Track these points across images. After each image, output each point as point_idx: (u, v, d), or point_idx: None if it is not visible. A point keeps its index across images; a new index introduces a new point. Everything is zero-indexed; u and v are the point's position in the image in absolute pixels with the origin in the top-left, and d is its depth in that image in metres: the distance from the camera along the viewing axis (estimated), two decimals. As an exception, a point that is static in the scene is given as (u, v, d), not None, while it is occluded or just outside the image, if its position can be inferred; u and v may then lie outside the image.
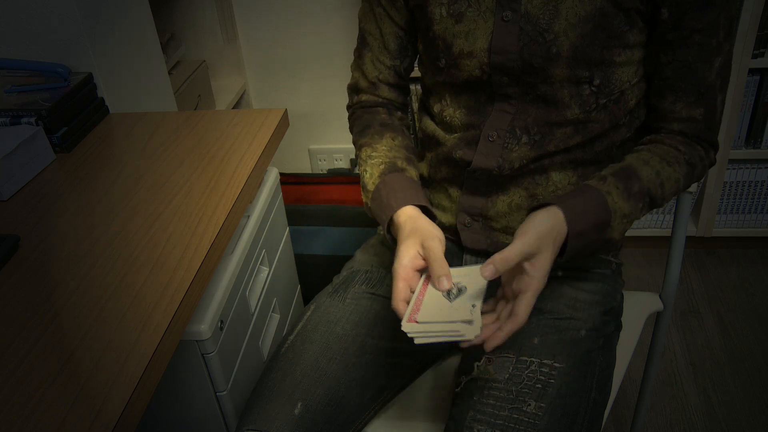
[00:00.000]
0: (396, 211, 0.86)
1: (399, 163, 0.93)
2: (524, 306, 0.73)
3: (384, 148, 0.96)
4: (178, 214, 0.92)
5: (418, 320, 0.74)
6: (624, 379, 1.48)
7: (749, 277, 1.94)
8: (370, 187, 0.92)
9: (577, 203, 0.79)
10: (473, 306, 0.76)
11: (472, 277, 0.80)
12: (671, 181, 0.87)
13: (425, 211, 0.88)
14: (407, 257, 0.80)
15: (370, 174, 0.93)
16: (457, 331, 0.72)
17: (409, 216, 0.85)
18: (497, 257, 0.73)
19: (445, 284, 0.77)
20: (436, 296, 0.78)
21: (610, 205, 0.81)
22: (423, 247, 0.80)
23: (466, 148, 0.92)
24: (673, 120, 0.89)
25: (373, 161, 0.94)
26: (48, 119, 1.09)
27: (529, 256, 0.74)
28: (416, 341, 0.74)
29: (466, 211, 0.95)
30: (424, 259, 0.80)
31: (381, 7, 0.96)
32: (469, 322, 0.73)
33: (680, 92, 0.86)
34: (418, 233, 0.81)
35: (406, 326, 0.73)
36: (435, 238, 0.80)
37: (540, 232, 0.75)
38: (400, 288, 0.78)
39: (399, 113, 1.04)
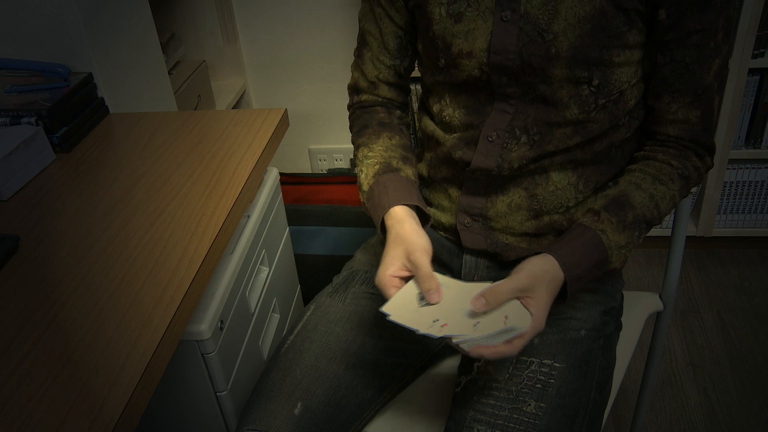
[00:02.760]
0: (387, 211, 0.87)
1: (394, 162, 0.93)
2: (521, 341, 0.75)
3: (380, 148, 0.96)
4: (178, 214, 0.92)
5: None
6: (624, 379, 1.48)
7: (749, 277, 1.94)
8: (365, 187, 0.93)
9: (573, 249, 0.81)
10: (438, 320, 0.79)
11: (453, 290, 0.82)
12: (666, 200, 0.87)
13: (419, 211, 0.89)
14: (392, 267, 0.83)
15: (366, 174, 0.94)
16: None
17: (396, 220, 0.86)
18: (488, 291, 0.76)
19: (436, 298, 0.79)
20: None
21: (605, 243, 0.83)
22: (409, 261, 0.82)
23: (466, 148, 0.92)
24: (669, 122, 0.89)
25: (368, 161, 0.95)
26: (48, 119, 1.09)
27: (521, 293, 0.77)
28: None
29: (465, 211, 0.95)
30: (410, 272, 0.82)
31: (380, 7, 0.96)
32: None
33: (677, 93, 0.86)
34: (403, 243, 0.83)
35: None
36: (420, 250, 0.82)
37: (533, 272, 0.78)
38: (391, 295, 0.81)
39: (398, 112, 1.04)
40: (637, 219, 0.85)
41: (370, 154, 0.96)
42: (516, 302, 0.77)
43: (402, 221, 0.85)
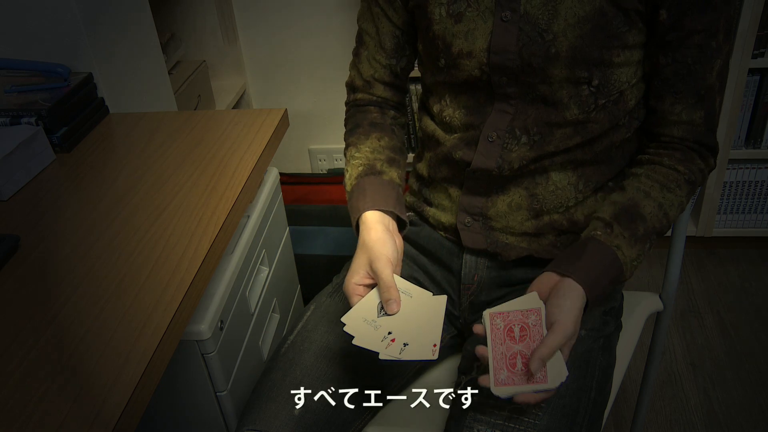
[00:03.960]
0: (360, 215, 0.88)
1: (378, 165, 0.94)
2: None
3: (367, 149, 0.96)
4: (178, 214, 0.92)
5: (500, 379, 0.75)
6: (624, 379, 1.48)
7: (749, 277, 1.94)
8: (348, 188, 0.94)
9: (591, 268, 0.81)
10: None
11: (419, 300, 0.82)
12: (674, 207, 0.87)
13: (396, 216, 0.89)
14: (357, 276, 0.84)
15: (350, 175, 0.95)
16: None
17: (366, 226, 0.87)
18: (544, 351, 0.73)
19: (394, 309, 0.80)
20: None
21: (621, 258, 0.83)
22: (371, 269, 0.83)
23: (466, 149, 0.92)
24: (673, 124, 0.89)
25: (354, 161, 0.95)
26: (48, 119, 1.09)
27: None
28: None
29: (466, 211, 0.95)
30: (374, 280, 0.83)
31: (378, 7, 0.96)
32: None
33: (680, 94, 0.86)
34: (367, 252, 0.84)
35: (497, 391, 0.74)
36: (382, 258, 0.82)
37: (576, 318, 0.77)
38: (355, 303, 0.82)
39: (392, 112, 1.04)
40: (647, 231, 0.85)
41: (357, 154, 0.96)
42: (556, 355, 0.75)
43: (370, 228, 0.86)
